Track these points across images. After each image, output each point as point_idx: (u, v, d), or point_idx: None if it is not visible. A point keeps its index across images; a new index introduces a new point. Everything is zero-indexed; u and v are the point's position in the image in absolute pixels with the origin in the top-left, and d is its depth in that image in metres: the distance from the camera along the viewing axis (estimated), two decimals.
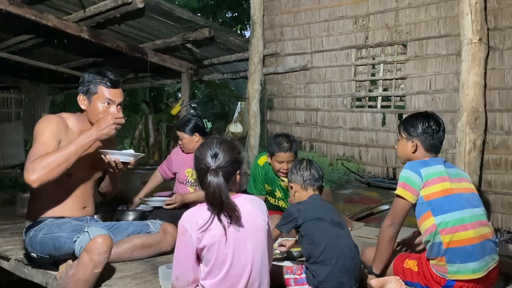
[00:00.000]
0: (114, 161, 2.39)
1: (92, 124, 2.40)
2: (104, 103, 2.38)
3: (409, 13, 4.31)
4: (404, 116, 4.37)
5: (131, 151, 2.54)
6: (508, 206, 3.76)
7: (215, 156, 1.74)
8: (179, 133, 3.59)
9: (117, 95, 2.41)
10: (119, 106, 2.43)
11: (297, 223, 2.23)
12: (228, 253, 1.69)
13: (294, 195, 2.45)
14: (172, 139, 9.54)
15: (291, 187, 2.47)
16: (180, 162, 3.71)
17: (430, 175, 2.25)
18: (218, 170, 1.71)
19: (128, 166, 2.47)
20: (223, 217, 1.70)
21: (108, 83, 2.39)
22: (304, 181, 2.38)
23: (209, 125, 3.92)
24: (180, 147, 3.70)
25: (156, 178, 3.90)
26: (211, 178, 1.69)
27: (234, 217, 1.69)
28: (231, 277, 1.69)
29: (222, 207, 1.68)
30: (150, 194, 3.85)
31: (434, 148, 2.40)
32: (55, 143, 2.30)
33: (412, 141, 2.40)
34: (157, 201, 3.52)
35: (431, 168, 2.28)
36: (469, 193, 2.30)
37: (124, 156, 2.44)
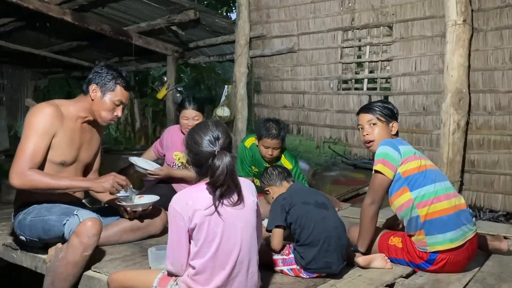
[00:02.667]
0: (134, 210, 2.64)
1: (92, 112, 2.48)
2: (115, 102, 2.47)
3: None
4: (390, 98, 4.42)
5: (148, 197, 2.75)
6: (490, 185, 3.85)
7: (217, 139, 1.74)
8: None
9: (128, 98, 2.56)
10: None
11: (285, 209, 2.25)
12: (217, 232, 1.71)
13: (273, 198, 2.43)
14: (158, 124, 9.45)
15: (267, 192, 2.50)
16: (170, 144, 3.62)
17: (407, 153, 2.36)
18: (224, 151, 1.72)
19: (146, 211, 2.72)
20: (214, 197, 1.71)
21: (125, 85, 2.51)
22: (276, 177, 2.46)
23: None
24: (180, 129, 3.54)
25: (148, 154, 3.84)
26: (220, 160, 1.69)
27: (236, 197, 1.73)
28: (220, 255, 1.71)
29: (229, 187, 1.70)
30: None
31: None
32: (47, 140, 2.31)
33: (394, 124, 2.51)
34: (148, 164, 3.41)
35: (407, 146, 2.41)
36: (436, 169, 2.44)
37: (145, 204, 2.68)
